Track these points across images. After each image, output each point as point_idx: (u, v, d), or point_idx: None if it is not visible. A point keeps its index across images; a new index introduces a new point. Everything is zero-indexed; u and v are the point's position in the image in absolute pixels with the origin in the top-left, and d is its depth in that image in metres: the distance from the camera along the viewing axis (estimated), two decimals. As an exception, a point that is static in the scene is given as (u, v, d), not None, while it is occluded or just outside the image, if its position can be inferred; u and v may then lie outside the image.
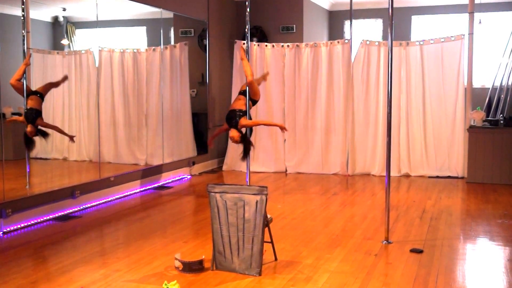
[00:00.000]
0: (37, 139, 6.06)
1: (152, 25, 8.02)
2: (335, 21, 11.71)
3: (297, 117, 8.96)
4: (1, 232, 5.24)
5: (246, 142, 6.45)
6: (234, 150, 9.10)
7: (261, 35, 9.85)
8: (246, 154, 6.45)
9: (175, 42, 8.45)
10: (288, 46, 8.97)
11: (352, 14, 8.90)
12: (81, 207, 6.30)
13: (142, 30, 8.11)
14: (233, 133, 6.40)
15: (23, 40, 5.77)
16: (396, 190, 7.39)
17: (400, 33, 10.56)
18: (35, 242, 5.04)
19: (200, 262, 4.20)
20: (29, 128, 5.87)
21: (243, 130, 6.50)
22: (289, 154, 9.03)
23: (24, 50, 5.78)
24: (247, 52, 7.27)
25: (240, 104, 6.54)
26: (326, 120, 8.82)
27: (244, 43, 6.46)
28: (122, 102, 7.54)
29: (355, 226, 5.57)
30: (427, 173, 8.47)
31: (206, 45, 9.00)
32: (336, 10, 11.61)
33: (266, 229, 4.27)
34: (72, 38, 6.79)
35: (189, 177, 8.55)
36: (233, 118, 6.43)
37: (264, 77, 7.62)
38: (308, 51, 8.86)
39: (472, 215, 6.00)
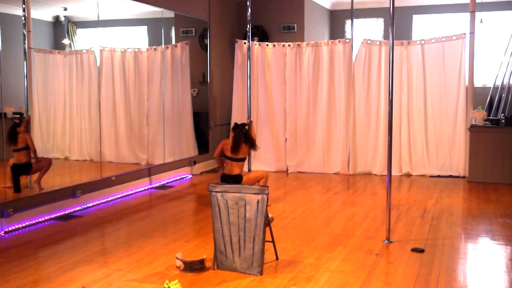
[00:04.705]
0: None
1: (153, 24, 8.02)
2: (336, 21, 11.71)
3: (298, 117, 8.96)
4: (3, 232, 5.24)
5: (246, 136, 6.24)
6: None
7: (262, 35, 9.85)
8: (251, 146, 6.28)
9: (176, 41, 8.45)
10: (289, 45, 8.97)
11: (353, 13, 8.89)
12: (82, 207, 6.30)
13: (143, 30, 8.11)
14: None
15: (24, 39, 5.77)
16: (397, 190, 7.39)
17: (401, 32, 10.56)
18: (36, 241, 5.04)
19: (201, 261, 4.20)
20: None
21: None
22: (290, 154, 9.03)
23: (25, 50, 5.78)
24: (248, 51, 7.27)
25: (238, 170, 6.23)
26: (327, 119, 8.82)
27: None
28: (123, 102, 7.55)
29: (356, 225, 5.57)
30: (428, 172, 8.47)
31: (207, 45, 9.00)
32: (337, 10, 11.61)
33: (267, 228, 4.27)
34: (73, 38, 6.79)
35: (190, 176, 8.55)
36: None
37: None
38: (309, 50, 8.86)
39: (473, 215, 6.00)
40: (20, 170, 5.80)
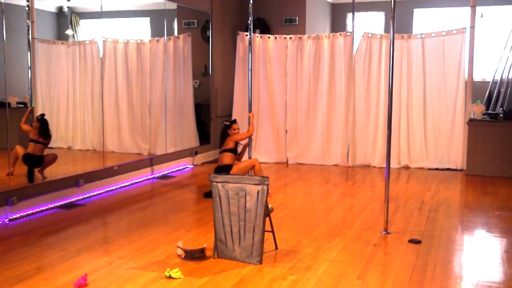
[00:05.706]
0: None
1: (155, 16, 8.06)
2: (338, 14, 11.72)
3: (299, 109, 9.01)
4: (7, 219, 5.32)
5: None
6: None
7: (263, 27, 9.88)
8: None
9: (179, 33, 8.49)
10: (290, 38, 9.00)
11: (355, 6, 8.90)
12: (85, 196, 6.38)
13: (146, 21, 8.14)
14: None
15: (28, 30, 5.80)
16: (395, 182, 7.45)
17: (402, 26, 10.58)
18: (40, 229, 5.11)
19: (202, 250, 4.27)
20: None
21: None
22: (291, 145, 9.09)
23: (29, 40, 5.82)
24: (250, 43, 7.31)
25: (227, 160, 6.48)
26: (327, 111, 8.87)
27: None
28: (126, 93, 7.60)
29: (355, 216, 5.64)
30: (426, 165, 8.53)
31: (209, 37, 9.04)
32: (338, 3, 11.62)
33: (267, 218, 4.34)
34: (76, 29, 6.83)
35: (191, 167, 8.62)
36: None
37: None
38: (310, 43, 8.90)
39: (470, 207, 6.06)
40: (32, 161, 5.88)
